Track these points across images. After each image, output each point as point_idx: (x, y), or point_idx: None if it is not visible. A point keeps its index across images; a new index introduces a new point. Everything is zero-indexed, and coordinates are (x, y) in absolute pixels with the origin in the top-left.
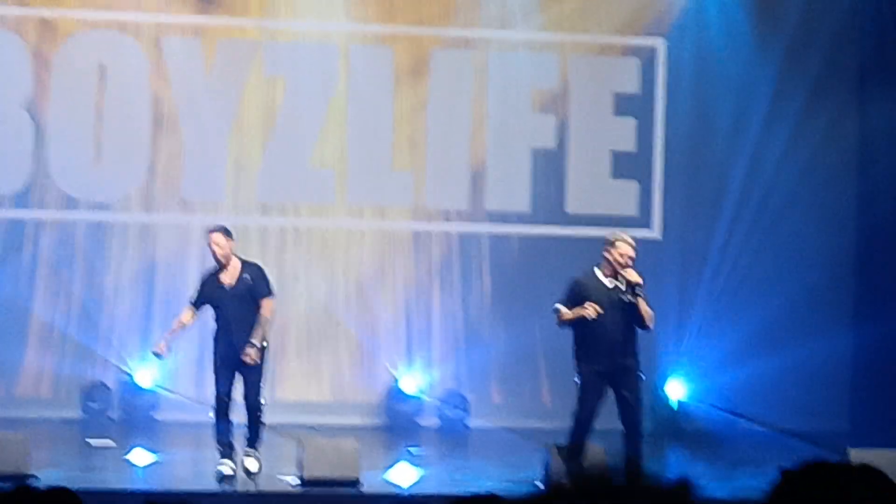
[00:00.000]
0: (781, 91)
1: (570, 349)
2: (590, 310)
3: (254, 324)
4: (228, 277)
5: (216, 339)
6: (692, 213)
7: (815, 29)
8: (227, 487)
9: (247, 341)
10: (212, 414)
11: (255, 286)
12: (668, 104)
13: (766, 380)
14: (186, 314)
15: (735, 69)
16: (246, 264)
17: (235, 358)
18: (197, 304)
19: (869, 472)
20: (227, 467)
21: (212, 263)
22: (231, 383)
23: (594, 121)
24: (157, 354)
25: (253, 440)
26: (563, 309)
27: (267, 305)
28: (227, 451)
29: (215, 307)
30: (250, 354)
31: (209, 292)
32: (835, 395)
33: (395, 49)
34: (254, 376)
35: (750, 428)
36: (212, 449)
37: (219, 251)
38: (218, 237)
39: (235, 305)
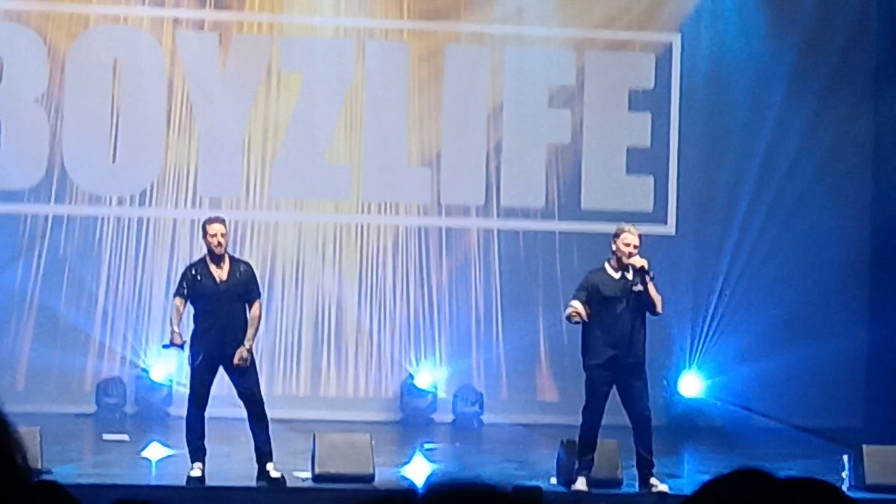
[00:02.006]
0: (796, 87)
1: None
2: (571, 311)
3: (242, 323)
4: (221, 272)
5: (200, 336)
6: (707, 208)
7: (830, 24)
8: (239, 483)
9: (237, 341)
10: (194, 409)
11: (249, 285)
12: (683, 100)
13: (781, 376)
14: (181, 306)
15: (750, 65)
16: (237, 261)
17: (222, 357)
18: (187, 296)
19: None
20: (197, 470)
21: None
22: (212, 383)
23: (609, 116)
24: (179, 346)
25: (269, 446)
26: (573, 309)
27: (258, 306)
28: (199, 454)
29: (202, 301)
30: (245, 358)
31: (200, 285)
32: (849, 391)
33: (411, 44)
34: (252, 373)
35: (764, 424)
36: (225, 444)
37: (223, 242)
38: (221, 227)
39: (226, 302)
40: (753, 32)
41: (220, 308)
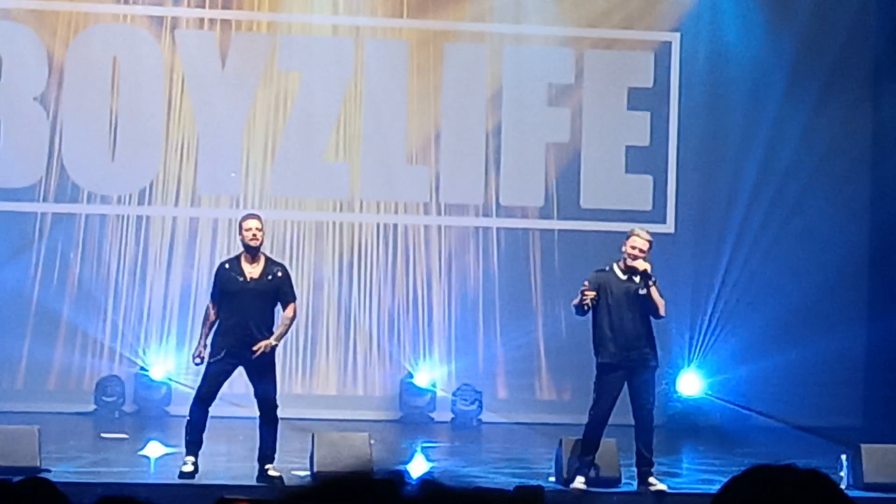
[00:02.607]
0: (795, 85)
1: (582, 344)
2: (585, 297)
3: (269, 322)
4: (253, 270)
5: (223, 332)
6: (706, 207)
7: (829, 22)
8: (238, 482)
9: (261, 339)
10: (191, 408)
11: (283, 287)
12: (682, 98)
13: (780, 375)
14: (213, 313)
15: (749, 63)
16: (272, 261)
17: (243, 355)
18: (219, 297)
19: (814, 478)
20: (190, 465)
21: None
22: (225, 381)
23: (608, 115)
24: (199, 362)
25: (273, 449)
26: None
27: (293, 308)
28: (194, 448)
29: (229, 297)
30: (265, 351)
31: (229, 283)
32: (848, 390)
33: (410, 43)
34: (272, 376)
35: (763, 423)
36: (225, 443)
37: (259, 236)
38: (257, 223)
39: (255, 301)
40: (752, 31)
41: (246, 306)
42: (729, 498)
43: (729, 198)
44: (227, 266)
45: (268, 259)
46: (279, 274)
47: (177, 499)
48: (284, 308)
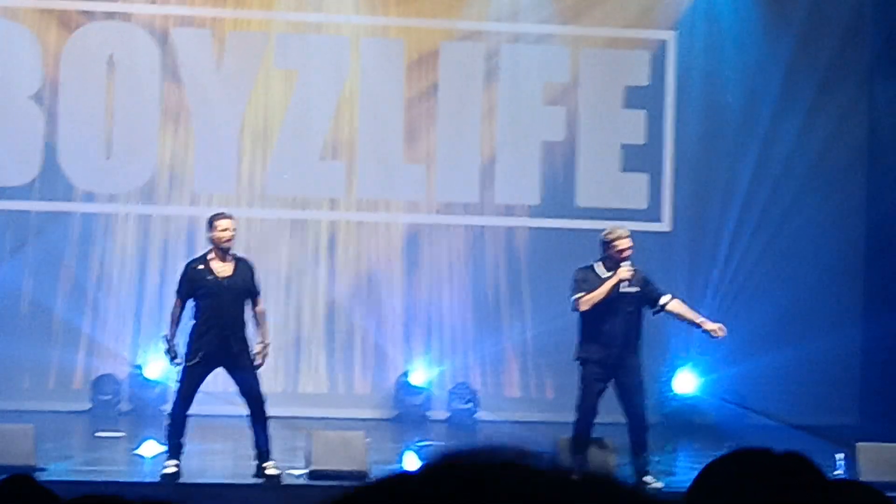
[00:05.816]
0: (791, 84)
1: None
2: (619, 275)
3: (242, 321)
4: (224, 269)
5: (200, 333)
6: (702, 206)
7: (825, 22)
8: (232, 480)
9: (239, 339)
10: (171, 406)
11: (252, 282)
12: (678, 97)
13: (776, 373)
14: (178, 308)
15: (745, 62)
16: (238, 258)
17: (223, 355)
18: (186, 296)
19: (793, 459)
20: (172, 467)
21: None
22: (204, 381)
23: (604, 113)
24: (176, 362)
25: (268, 445)
26: (585, 295)
27: (262, 303)
28: (177, 451)
29: (204, 298)
30: (266, 355)
31: (200, 282)
32: (844, 389)
33: (406, 41)
34: (253, 371)
35: (759, 421)
36: (222, 441)
37: (231, 236)
38: (232, 223)
39: (230, 299)
40: (748, 30)
41: (223, 305)
42: (709, 482)
43: (725, 196)
44: (198, 267)
45: (235, 256)
46: (249, 270)
47: (173, 498)
48: (254, 304)
